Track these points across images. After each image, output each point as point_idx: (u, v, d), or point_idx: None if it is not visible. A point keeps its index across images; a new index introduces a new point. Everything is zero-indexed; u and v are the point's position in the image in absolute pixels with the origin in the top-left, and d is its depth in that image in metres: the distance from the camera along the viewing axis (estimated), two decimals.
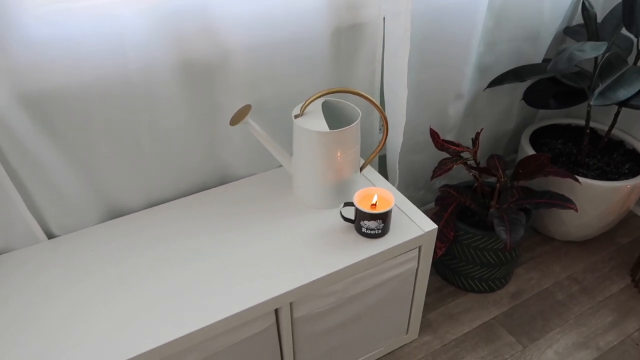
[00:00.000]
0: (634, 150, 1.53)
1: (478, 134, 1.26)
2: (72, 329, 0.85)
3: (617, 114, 1.43)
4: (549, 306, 1.37)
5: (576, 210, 1.17)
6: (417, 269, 1.10)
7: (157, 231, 1.05)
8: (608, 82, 1.25)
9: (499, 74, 1.43)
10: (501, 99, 1.51)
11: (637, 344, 1.27)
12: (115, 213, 1.10)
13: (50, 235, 1.05)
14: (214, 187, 1.18)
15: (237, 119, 1.01)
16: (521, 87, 1.53)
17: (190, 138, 1.08)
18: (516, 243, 1.14)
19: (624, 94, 1.20)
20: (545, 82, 1.49)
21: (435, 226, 1.05)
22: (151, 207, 1.12)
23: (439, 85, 1.31)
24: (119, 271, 0.95)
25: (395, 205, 1.10)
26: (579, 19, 1.51)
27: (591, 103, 1.20)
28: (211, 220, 1.07)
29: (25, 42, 0.82)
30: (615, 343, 1.27)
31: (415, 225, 1.05)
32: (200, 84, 1.02)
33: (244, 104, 1.08)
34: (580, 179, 1.36)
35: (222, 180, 1.19)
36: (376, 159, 1.42)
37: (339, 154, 1.03)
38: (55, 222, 1.03)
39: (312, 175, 1.06)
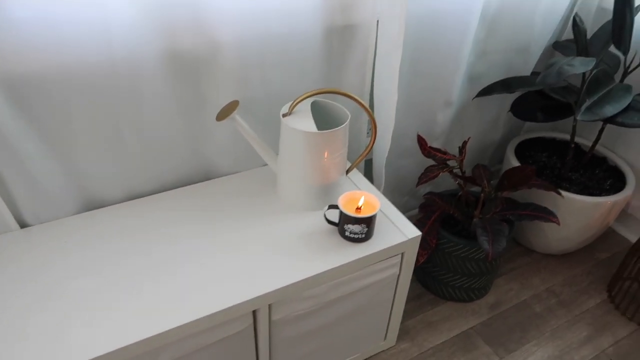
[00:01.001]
0: (615, 167, 1.55)
1: (465, 142, 1.26)
2: (36, 320, 0.82)
3: (601, 130, 1.44)
4: (526, 318, 1.38)
5: (558, 224, 1.18)
6: (398, 276, 1.09)
7: (134, 223, 1.02)
8: (595, 98, 1.26)
9: (488, 84, 1.44)
10: (489, 109, 1.52)
11: (610, 359, 1.28)
12: (94, 204, 1.07)
13: (23, 225, 1.01)
14: (198, 182, 1.15)
15: (223, 114, 0.99)
16: (509, 98, 1.54)
17: (175, 132, 1.06)
18: (498, 254, 1.14)
19: (610, 110, 1.21)
20: (533, 95, 1.50)
21: (419, 233, 1.04)
22: (131, 200, 1.09)
23: (429, 92, 1.31)
24: (91, 263, 0.92)
25: (380, 210, 1.09)
26: (568, 34, 1.53)
27: (578, 118, 1.21)
28: (192, 216, 1.04)
29: (7, 23, 0.79)
30: (590, 358, 1.28)
31: (399, 231, 1.04)
32: (188, 77, 1.00)
33: (231, 100, 1.06)
34: (563, 192, 1.36)
35: (207, 177, 1.17)
36: (362, 162, 1.40)
37: (325, 155, 1.01)
38: (29, 211, 0.99)
39: (297, 176, 1.04)
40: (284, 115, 1.01)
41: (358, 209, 1.01)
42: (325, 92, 1.00)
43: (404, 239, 1.02)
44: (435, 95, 1.32)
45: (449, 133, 1.46)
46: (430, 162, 1.50)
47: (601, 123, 1.44)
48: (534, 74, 1.51)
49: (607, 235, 1.68)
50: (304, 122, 1.00)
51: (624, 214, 1.67)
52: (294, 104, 1.01)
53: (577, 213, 1.40)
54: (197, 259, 0.95)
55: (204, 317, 0.84)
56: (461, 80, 1.34)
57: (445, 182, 1.61)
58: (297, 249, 0.98)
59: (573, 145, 1.45)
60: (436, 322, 1.35)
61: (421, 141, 1.28)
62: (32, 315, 0.83)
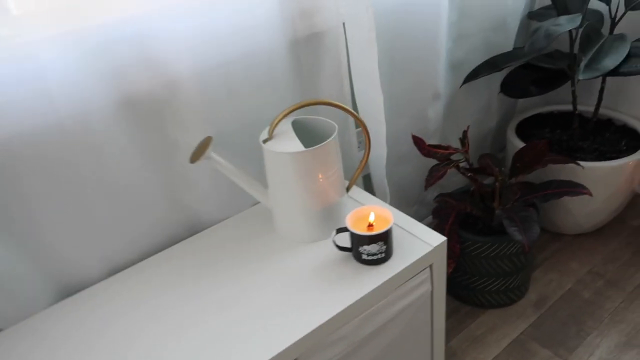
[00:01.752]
0: (625, 127, 1.45)
1: (465, 132, 1.15)
2: None
3: (601, 90, 1.35)
4: (577, 308, 1.24)
5: (590, 195, 1.06)
6: (431, 292, 0.95)
7: (121, 302, 0.87)
8: (590, 54, 1.16)
9: (471, 69, 1.34)
10: (479, 96, 1.42)
11: None
12: (71, 289, 0.92)
13: None
14: (184, 239, 1.02)
15: (197, 154, 0.87)
16: (497, 80, 1.45)
17: (146, 187, 0.93)
18: (533, 242, 1.02)
19: (610, 63, 1.11)
20: (521, 71, 1.41)
21: (444, 238, 0.91)
22: (113, 274, 0.95)
23: (415, 88, 1.20)
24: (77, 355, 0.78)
25: (394, 223, 0.96)
26: (540, 3, 1.45)
27: (579, 77, 1.11)
28: (184, 277, 0.90)
29: None
30: None
31: (420, 241, 0.91)
32: (149, 122, 0.89)
33: (203, 137, 0.94)
34: (581, 163, 1.25)
35: (192, 231, 1.03)
36: (360, 180, 1.28)
37: (320, 176, 0.89)
38: None
39: (293, 205, 0.91)
40: (264, 141, 0.90)
41: (370, 226, 0.88)
42: (304, 105, 0.89)
43: (429, 249, 0.89)
44: (421, 89, 1.22)
45: (444, 129, 1.35)
46: (432, 162, 1.38)
47: (600, 84, 1.34)
48: (517, 49, 1.42)
49: (634, 202, 1.56)
50: (288, 143, 0.89)
51: None
52: (273, 125, 0.90)
53: (601, 181, 1.28)
54: (198, 325, 0.80)
55: None
56: (444, 69, 1.24)
57: (450, 182, 1.49)
58: (312, 287, 0.85)
59: (577, 112, 1.35)
60: (482, 336, 1.20)
61: (418, 141, 1.17)
62: None
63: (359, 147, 1.22)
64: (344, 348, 0.84)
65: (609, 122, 1.48)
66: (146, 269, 0.94)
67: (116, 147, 0.86)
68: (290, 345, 0.75)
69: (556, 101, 1.65)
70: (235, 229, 1.01)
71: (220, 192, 1.02)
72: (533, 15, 1.42)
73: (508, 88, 1.41)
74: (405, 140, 1.26)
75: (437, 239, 0.91)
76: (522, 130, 1.50)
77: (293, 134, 0.91)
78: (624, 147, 1.36)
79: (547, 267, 1.37)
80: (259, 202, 1.09)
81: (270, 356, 0.73)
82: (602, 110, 1.50)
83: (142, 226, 0.95)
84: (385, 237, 0.84)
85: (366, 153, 0.96)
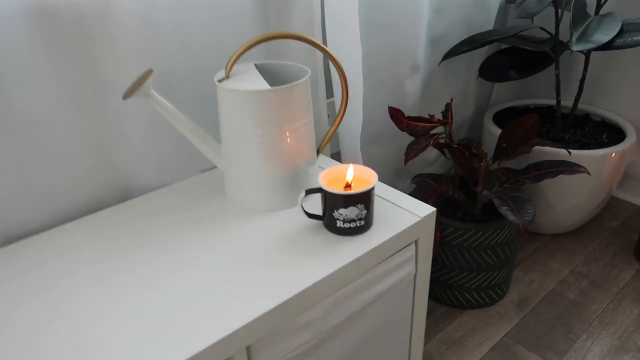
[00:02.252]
0: (603, 122, 1.38)
1: (449, 104, 1.02)
2: None
3: (582, 80, 1.27)
4: (564, 309, 1.11)
5: (588, 173, 0.94)
6: (415, 275, 0.80)
7: (20, 274, 0.66)
8: (581, 28, 1.07)
9: (451, 46, 1.23)
10: (457, 78, 1.31)
11: None
12: None
13: None
14: (113, 205, 0.81)
15: (133, 89, 0.69)
16: (475, 64, 1.34)
17: (64, 131, 0.73)
18: (529, 223, 0.88)
19: (604, 36, 1.03)
20: (500, 56, 1.32)
21: (434, 209, 0.76)
22: (14, 242, 0.73)
23: (393, 58, 1.07)
24: None
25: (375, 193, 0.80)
26: None
27: (573, 49, 1.01)
28: (109, 247, 0.70)
29: None
30: None
31: (405, 212, 0.76)
32: (72, 44, 0.70)
33: (141, 72, 0.76)
34: (570, 150, 1.15)
35: (124, 196, 0.83)
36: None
37: (287, 127, 0.72)
38: None
39: (252, 164, 0.74)
40: (220, 81, 0.73)
41: (348, 186, 0.71)
42: (270, 37, 0.72)
43: (416, 219, 0.74)
44: (400, 59, 1.08)
45: (420, 108, 1.22)
46: (408, 142, 1.24)
47: (582, 72, 1.26)
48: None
49: (611, 204, 1.48)
50: (249, 82, 0.72)
51: (622, 178, 1.49)
52: (232, 61, 0.73)
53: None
54: (131, 298, 0.61)
55: None
56: (424, 39, 1.12)
57: (420, 169, 1.36)
58: (271, 261, 0.67)
59: (559, 99, 1.26)
60: (461, 339, 1.05)
61: (395, 113, 1.03)
62: None
63: (329, 116, 1.06)
64: (309, 339, 0.67)
65: (586, 117, 1.41)
66: (58, 236, 0.73)
67: (25, 71, 0.67)
68: (239, 329, 0.57)
69: (531, 95, 1.57)
70: (178, 196, 0.82)
71: (160, 151, 0.84)
72: (511, 0, 1.34)
73: (486, 72, 1.31)
74: (380, 117, 1.12)
75: (426, 210, 0.76)
76: (497, 122, 1.40)
77: (257, 73, 0.74)
78: (606, 140, 1.28)
79: (526, 267, 1.24)
80: (207, 169, 0.91)
81: (212, 341, 0.55)
82: (579, 106, 1.42)
83: (56, 183, 0.75)
84: (366, 199, 0.68)
85: (343, 105, 0.80)
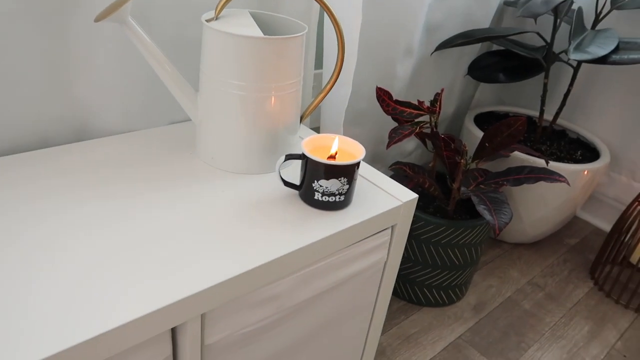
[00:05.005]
0: (578, 139, 1.38)
1: (439, 94, 0.98)
2: None
3: (567, 94, 1.26)
4: (518, 318, 1.10)
5: (568, 184, 0.93)
6: (385, 263, 0.75)
7: None
8: (579, 39, 1.06)
9: (447, 37, 1.19)
10: (445, 72, 1.28)
11: (624, 356, 1.04)
12: None
13: None
14: (66, 144, 0.73)
15: (107, 11, 0.60)
16: (465, 62, 1.32)
17: (17, 47, 0.64)
18: (504, 225, 0.86)
19: (600, 50, 1.01)
20: (491, 57, 1.30)
21: (416, 195, 0.72)
22: None
23: (390, 33, 1.02)
24: None
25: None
26: None
27: (570, 57, 1.00)
28: (62, 185, 0.62)
29: None
30: (602, 357, 1.03)
31: (387, 195, 0.71)
32: None
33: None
34: (549, 161, 1.14)
35: (81, 135, 0.75)
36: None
37: (274, 83, 0.66)
38: None
39: (232, 120, 0.67)
40: (207, 21, 0.65)
41: (331, 157, 0.66)
42: None
43: (397, 204, 0.69)
44: (396, 39, 1.03)
45: (407, 94, 1.18)
46: (390, 126, 1.20)
47: (565, 90, 1.26)
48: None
49: (572, 222, 1.50)
50: (240, 27, 0.65)
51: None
52: (223, 1, 0.65)
53: (560, 185, 1.18)
54: (76, 250, 0.53)
55: (82, 344, 0.43)
56: (422, 22, 1.07)
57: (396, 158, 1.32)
58: (238, 227, 0.61)
59: (543, 109, 1.25)
60: (415, 335, 1.02)
61: (383, 95, 0.98)
62: None
63: (313, 92, 1.00)
64: (269, 314, 0.61)
65: (563, 133, 1.41)
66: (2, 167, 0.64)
67: None
68: (198, 293, 0.50)
69: (513, 103, 1.56)
70: (141, 146, 0.74)
71: (127, 91, 0.75)
72: (510, 3, 1.32)
73: (475, 71, 1.29)
74: (366, 95, 1.07)
75: (408, 195, 0.71)
76: (478, 124, 1.38)
77: (251, 20, 0.67)
78: (580, 157, 1.28)
79: (486, 272, 1.23)
80: (177, 122, 0.83)
81: (166, 303, 0.48)
82: (558, 121, 1.43)
83: (2, 107, 0.65)
84: (350, 173, 0.63)
85: (336, 72, 0.74)
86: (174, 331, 0.54)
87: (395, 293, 1.11)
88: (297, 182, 0.67)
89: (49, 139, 0.71)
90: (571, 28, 1.05)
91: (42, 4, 0.63)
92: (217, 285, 0.52)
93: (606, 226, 1.48)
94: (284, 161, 0.64)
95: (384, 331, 1.02)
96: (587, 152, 1.32)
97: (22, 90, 0.66)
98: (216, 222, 0.60)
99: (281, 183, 0.66)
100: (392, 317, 1.06)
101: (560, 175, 0.94)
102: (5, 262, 0.50)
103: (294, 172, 0.72)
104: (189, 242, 0.56)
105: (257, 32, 0.64)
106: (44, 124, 0.70)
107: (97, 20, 0.59)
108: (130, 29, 0.62)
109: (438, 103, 0.97)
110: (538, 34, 1.18)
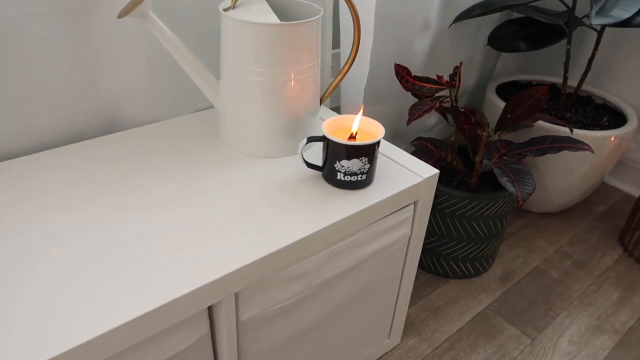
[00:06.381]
0: (605, 105, 1.35)
1: (458, 67, 0.98)
2: None
3: (591, 59, 1.24)
4: (545, 287, 1.11)
5: (592, 152, 0.92)
6: (409, 238, 0.77)
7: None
8: (601, 2, 1.03)
9: (464, 8, 1.18)
10: (464, 44, 1.26)
11: None
12: None
13: None
14: (99, 136, 0.76)
15: (129, 7, 0.62)
16: (484, 32, 1.30)
17: (48, 45, 0.67)
18: (528, 196, 0.86)
19: (624, 13, 0.99)
20: (511, 25, 1.28)
21: (437, 171, 0.73)
22: None
23: (406, 9, 1.01)
24: None
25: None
26: None
27: (592, 22, 0.98)
28: (97, 176, 0.66)
29: None
30: (632, 323, 1.03)
31: (408, 171, 0.72)
32: None
33: None
34: (573, 129, 1.13)
35: (111, 128, 0.78)
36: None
37: (293, 67, 0.67)
38: None
39: (252, 105, 0.69)
40: (225, 10, 0.67)
41: (352, 137, 0.68)
42: None
43: (419, 180, 0.71)
44: (413, 15, 1.03)
45: (426, 69, 1.18)
46: (409, 103, 1.20)
47: (589, 55, 1.23)
48: None
49: (600, 189, 1.48)
50: (258, 14, 0.66)
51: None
52: None
53: (586, 153, 1.16)
54: (111, 236, 0.56)
55: (123, 326, 0.46)
56: None
57: (418, 134, 1.32)
58: (264, 209, 0.63)
59: (567, 75, 1.22)
60: (443, 307, 1.04)
61: (401, 71, 0.98)
62: None
63: (332, 72, 1.01)
64: (298, 291, 0.64)
65: (589, 99, 1.38)
66: (34, 163, 0.68)
67: None
68: (228, 275, 0.53)
69: (535, 71, 1.53)
70: (168, 134, 0.77)
71: (152, 83, 0.78)
72: None
73: (496, 41, 1.27)
74: (385, 73, 1.07)
75: (429, 171, 0.73)
76: (500, 95, 1.36)
77: (267, 7, 0.69)
78: (606, 123, 1.26)
79: (512, 243, 1.24)
80: (202, 109, 0.86)
81: (199, 285, 0.51)
82: (582, 87, 1.40)
83: (36, 105, 0.69)
84: (371, 152, 0.65)
85: (353, 52, 0.75)
86: (210, 310, 0.57)
87: (421, 266, 1.13)
88: (320, 163, 0.69)
89: (83, 133, 0.75)
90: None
91: (66, 5, 0.65)
92: (249, 265, 0.55)
93: (635, 192, 1.46)
94: (306, 143, 0.66)
95: (411, 304, 1.04)
96: (614, 117, 1.29)
97: (55, 88, 0.69)
98: (244, 206, 0.63)
99: (304, 165, 0.68)
100: (419, 290, 1.08)
101: (583, 144, 0.93)
102: (58, 241, 0.54)
103: (316, 153, 0.74)
104: (220, 226, 0.59)
105: (274, 18, 0.66)
106: (77, 118, 0.73)
107: (119, 16, 0.62)
108: (152, 23, 0.64)
109: (457, 77, 0.97)
110: (548, 10, 1.15)
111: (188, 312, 0.51)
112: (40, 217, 0.58)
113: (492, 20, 1.29)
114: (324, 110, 0.87)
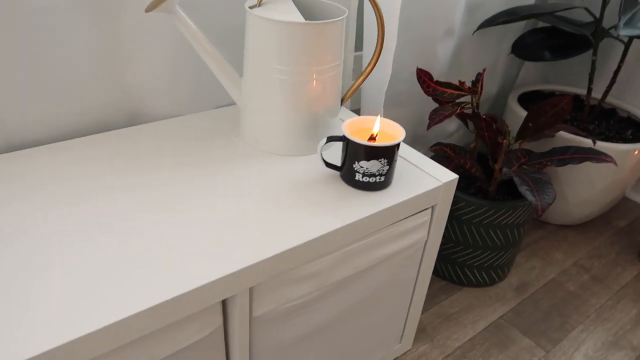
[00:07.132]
0: (629, 118, 1.33)
1: (481, 74, 0.97)
2: None
3: (617, 71, 1.22)
4: (561, 299, 1.09)
5: (615, 164, 0.91)
6: (425, 242, 0.77)
7: (21, 183, 0.62)
8: (630, 14, 1.02)
9: (489, 15, 1.17)
10: (488, 50, 1.25)
11: None
12: None
13: None
14: (120, 128, 0.77)
15: (156, 2, 0.63)
16: (508, 40, 1.29)
17: (77, 39, 0.68)
18: (548, 206, 0.85)
19: None
20: (536, 34, 1.26)
21: (456, 176, 0.72)
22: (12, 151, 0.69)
23: (430, 14, 1.01)
24: None
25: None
26: None
27: (620, 33, 0.96)
28: (119, 167, 0.66)
29: None
30: None
31: (427, 175, 0.72)
32: None
33: None
34: (596, 140, 1.11)
35: (134, 121, 0.79)
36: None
37: (315, 67, 0.68)
38: None
39: (273, 103, 0.70)
40: (251, 7, 0.67)
41: (372, 139, 0.68)
42: None
43: (437, 184, 0.70)
44: (436, 20, 1.03)
45: (447, 75, 1.17)
46: (431, 107, 1.19)
47: (615, 66, 1.21)
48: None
49: (620, 204, 1.45)
50: (283, 13, 0.67)
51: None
52: None
53: (607, 165, 1.15)
54: (132, 230, 0.57)
55: (137, 315, 0.47)
56: (463, 1, 1.06)
57: (438, 139, 1.32)
58: (282, 206, 0.63)
59: (591, 87, 1.21)
60: (456, 315, 1.03)
61: (423, 75, 0.98)
62: None
63: (353, 74, 1.01)
64: (311, 290, 0.64)
65: (612, 112, 1.36)
66: (56, 152, 0.69)
67: None
68: (247, 268, 0.54)
69: (558, 82, 1.52)
70: (189, 129, 0.78)
71: (176, 77, 0.79)
72: None
73: (520, 49, 1.26)
74: (406, 77, 1.07)
75: (448, 176, 0.72)
76: (522, 104, 1.35)
77: (292, 6, 0.69)
78: (630, 137, 1.24)
79: (529, 253, 1.22)
80: (221, 106, 0.86)
81: (214, 279, 0.51)
82: (606, 99, 1.38)
83: (62, 94, 0.70)
84: (390, 154, 0.65)
85: (376, 54, 0.75)
86: (224, 304, 0.57)
87: (436, 273, 1.12)
88: (339, 163, 0.69)
89: (104, 124, 0.76)
90: (621, 2, 1.01)
91: (96, 4, 0.67)
92: (264, 261, 0.55)
93: None
94: (326, 143, 0.67)
95: (424, 310, 1.03)
96: (638, 131, 1.27)
97: (79, 80, 0.71)
98: (262, 202, 0.63)
99: (323, 164, 0.68)
100: (433, 296, 1.07)
101: (606, 155, 0.91)
102: (77, 229, 0.55)
103: (335, 153, 0.74)
104: (237, 221, 0.60)
105: (298, 17, 0.66)
106: (99, 110, 0.74)
107: (147, 10, 0.63)
108: (178, 18, 0.65)
109: (480, 83, 0.96)
110: (586, 9, 1.13)
111: (203, 304, 0.52)
112: (60, 206, 0.59)
113: (516, 29, 1.28)
114: (344, 111, 0.88)
